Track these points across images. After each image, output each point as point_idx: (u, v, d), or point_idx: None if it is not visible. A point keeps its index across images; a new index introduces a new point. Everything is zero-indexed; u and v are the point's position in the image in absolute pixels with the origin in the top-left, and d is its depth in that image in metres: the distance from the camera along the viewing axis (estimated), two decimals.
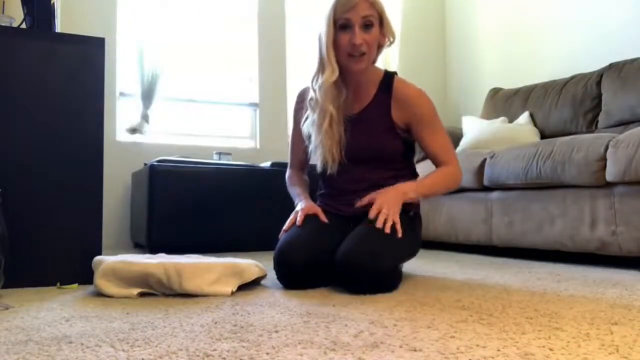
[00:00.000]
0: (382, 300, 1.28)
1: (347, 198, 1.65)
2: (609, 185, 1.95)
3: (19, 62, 1.62)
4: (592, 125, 2.80)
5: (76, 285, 1.58)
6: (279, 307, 1.22)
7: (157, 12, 3.44)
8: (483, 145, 2.91)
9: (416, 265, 2.02)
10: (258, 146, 3.70)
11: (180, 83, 3.53)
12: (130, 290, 1.39)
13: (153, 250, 2.52)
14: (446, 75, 4.30)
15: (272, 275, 1.56)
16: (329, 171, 1.62)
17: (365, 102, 1.63)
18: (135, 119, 3.31)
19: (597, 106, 2.80)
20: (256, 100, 3.73)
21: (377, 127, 1.61)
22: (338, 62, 1.54)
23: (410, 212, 1.66)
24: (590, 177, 1.97)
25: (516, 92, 3.31)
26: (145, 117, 3.31)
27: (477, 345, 0.85)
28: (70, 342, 0.91)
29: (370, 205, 1.52)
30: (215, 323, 1.05)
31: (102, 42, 1.72)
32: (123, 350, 0.85)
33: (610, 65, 2.77)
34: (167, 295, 1.39)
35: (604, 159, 1.93)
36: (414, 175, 1.71)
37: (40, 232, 1.60)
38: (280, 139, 3.71)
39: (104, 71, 1.72)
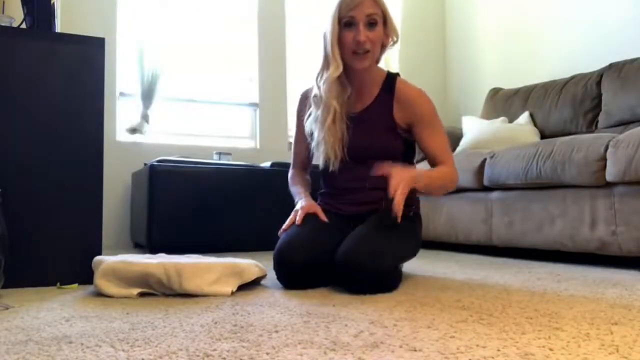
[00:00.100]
0: (382, 300, 1.28)
1: (348, 197, 1.66)
2: (609, 185, 1.95)
3: (19, 62, 1.62)
4: (592, 125, 2.80)
5: (76, 285, 1.58)
6: (279, 307, 1.22)
7: (157, 12, 3.44)
8: (483, 145, 2.91)
9: (416, 265, 2.02)
10: (258, 146, 3.70)
11: (180, 83, 3.53)
12: (130, 290, 1.39)
13: (153, 250, 2.52)
14: (446, 75, 4.30)
15: (272, 275, 1.56)
16: (330, 168, 1.62)
17: (368, 101, 1.65)
18: (135, 119, 3.31)
19: (597, 106, 2.80)
20: (256, 100, 3.73)
21: (379, 126, 1.62)
22: (342, 59, 1.56)
23: (410, 212, 1.66)
24: (590, 177, 1.98)
25: (516, 92, 3.31)
26: (145, 117, 3.31)
27: (477, 345, 0.85)
28: (70, 342, 0.91)
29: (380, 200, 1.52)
30: (215, 323, 1.05)
31: (102, 42, 1.72)
32: (123, 350, 0.85)
33: (610, 65, 2.77)
34: (167, 295, 1.39)
35: (604, 159, 1.93)
36: None
37: (40, 232, 1.60)
38: (280, 139, 3.71)
39: (104, 71, 1.72)
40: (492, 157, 2.45)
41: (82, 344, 0.90)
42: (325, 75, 1.57)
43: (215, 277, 1.40)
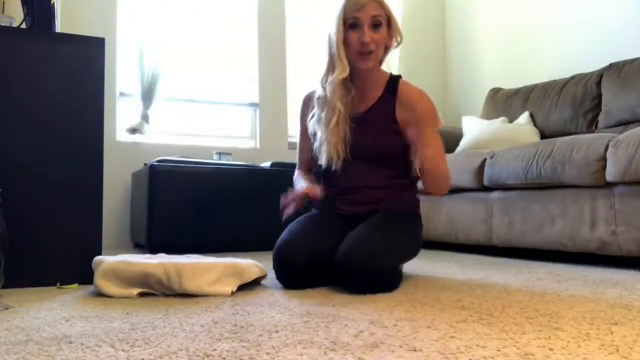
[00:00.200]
0: (382, 300, 1.28)
1: (348, 197, 1.66)
2: (609, 185, 1.95)
3: (19, 62, 1.62)
4: (592, 125, 2.80)
5: (76, 285, 1.58)
6: (279, 307, 1.22)
7: (157, 12, 3.44)
8: (483, 145, 2.91)
9: (416, 265, 2.02)
10: (258, 146, 3.70)
11: (180, 83, 3.53)
12: (130, 290, 1.39)
13: (153, 250, 2.52)
14: (446, 75, 4.30)
15: (272, 275, 1.56)
16: (333, 167, 1.63)
17: (371, 102, 1.66)
18: (135, 119, 3.31)
19: (597, 106, 2.80)
20: (256, 100, 3.73)
21: (381, 127, 1.63)
22: (347, 60, 1.57)
23: (411, 212, 1.67)
24: (590, 177, 1.97)
25: (516, 92, 3.31)
26: (145, 117, 3.31)
27: (477, 345, 0.85)
28: (70, 342, 0.91)
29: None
30: (215, 323, 1.05)
31: (102, 42, 1.72)
32: (123, 350, 0.85)
33: (610, 65, 2.77)
34: (167, 295, 1.39)
35: (604, 159, 1.93)
36: (409, 174, 1.71)
37: (40, 232, 1.60)
38: (280, 139, 3.71)
39: (104, 71, 1.73)
40: (492, 157, 2.45)
41: (82, 344, 0.90)
42: (331, 77, 1.58)
43: (215, 277, 1.41)
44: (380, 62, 1.66)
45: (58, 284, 1.58)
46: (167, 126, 3.49)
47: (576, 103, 2.87)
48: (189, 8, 3.58)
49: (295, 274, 1.49)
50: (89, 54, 1.70)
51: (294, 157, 2.00)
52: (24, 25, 1.81)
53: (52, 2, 1.78)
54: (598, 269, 1.91)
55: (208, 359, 0.79)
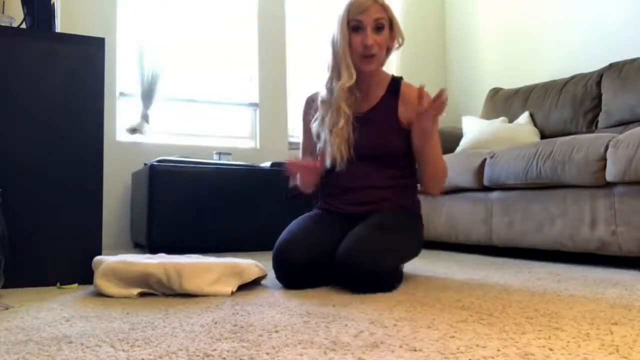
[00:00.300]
0: (382, 300, 1.28)
1: (349, 197, 1.66)
2: (609, 185, 1.95)
3: (19, 62, 1.62)
4: (592, 125, 2.80)
5: (76, 285, 1.58)
6: (279, 307, 1.22)
7: (157, 12, 3.44)
8: (483, 145, 2.91)
9: (416, 265, 2.02)
10: (258, 146, 3.70)
11: (180, 83, 3.53)
12: (130, 290, 1.39)
13: (153, 250, 2.52)
14: (446, 75, 4.30)
15: (272, 275, 1.56)
16: (337, 168, 1.63)
17: (374, 102, 1.68)
18: (135, 119, 3.31)
19: (597, 106, 2.80)
20: (256, 100, 3.73)
21: (384, 126, 1.65)
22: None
23: (412, 212, 1.68)
24: (590, 177, 1.97)
25: (516, 92, 3.31)
26: (145, 117, 3.31)
27: (477, 345, 0.85)
28: (70, 342, 0.91)
29: None
30: (215, 323, 1.05)
31: (102, 42, 1.72)
32: (123, 350, 0.85)
33: (610, 65, 2.77)
34: (167, 295, 1.39)
35: (604, 159, 1.93)
36: (413, 174, 1.72)
37: (40, 232, 1.60)
38: (280, 139, 3.71)
39: (104, 71, 1.73)
40: (492, 157, 2.45)
41: (82, 344, 0.90)
42: (337, 83, 1.59)
43: (215, 277, 1.41)
44: (382, 64, 1.67)
45: (58, 284, 1.58)
46: (167, 126, 3.49)
47: (576, 103, 2.87)
48: (189, 8, 3.58)
49: (296, 274, 1.49)
50: (89, 54, 1.70)
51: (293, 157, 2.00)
52: (24, 25, 1.81)
53: (52, 2, 1.78)
54: (598, 269, 1.91)
55: (208, 359, 0.79)
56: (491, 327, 0.98)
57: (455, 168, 2.55)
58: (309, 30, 3.91)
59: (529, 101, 3.15)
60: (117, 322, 1.07)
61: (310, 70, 3.76)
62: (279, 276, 1.53)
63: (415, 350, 0.83)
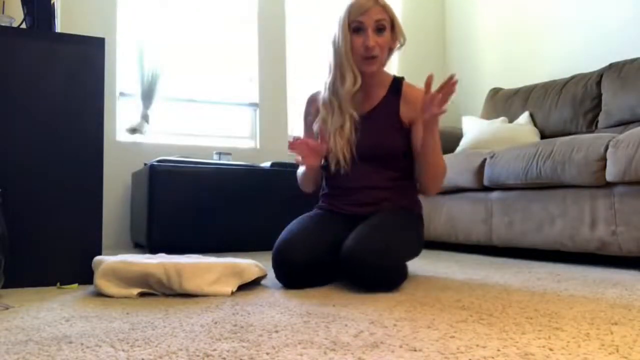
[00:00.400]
0: (382, 300, 1.28)
1: (350, 198, 1.67)
2: (609, 185, 1.95)
3: (19, 62, 1.62)
4: (592, 125, 2.80)
5: (76, 285, 1.58)
6: (279, 307, 1.22)
7: (157, 12, 3.44)
8: (483, 145, 2.91)
9: (417, 265, 2.02)
10: (258, 146, 3.70)
11: (180, 83, 3.53)
12: (130, 290, 1.39)
13: (153, 250, 2.52)
14: (446, 75, 4.26)
15: (272, 275, 1.56)
16: (342, 170, 1.64)
17: (375, 101, 1.68)
18: (135, 119, 3.31)
19: (597, 106, 2.80)
20: (256, 100, 3.73)
21: (386, 126, 1.65)
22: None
23: (413, 212, 1.68)
24: (590, 177, 1.97)
25: (516, 92, 3.31)
26: (145, 117, 3.31)
27: (477, 345, 0.85)
28: (70, 342, 0.91)
29: None
30: (215, 323, 1.05)
31: (102, 42, 1.72)
32: (123, 350, 0.85)
33: (610, 65, 2.77)
34: (167, 295, 1.39)
35: (604, 159, 1.93)
36: (413, 174, 1.72)
37: (40, 232, 1.60)
38: (280, 139, 3.71)
39: (104, 71, 1.73)
40: (492, 157, 2.45)
41: (82, 344, 0.90)
42: (341, 87, 1.59)
43: (215, 277, 1.41)
44: (384, 64, 1.68)
45: (58, 284, 1.58)
46: (167, 126, 3.49)
47: (576, 103, 2.87)
48: (189, 8, 3.58)
49: (296, 274, 1.49)
50: (89, 54, 1.69)
51: (294, 157, 2.00)
52: (24, 25, 1.81)
53: (52, 2, 1.78)
54: (598, 269, 1.91)
55: (208, 359, 0.79)
56: (491, 327, 0.98)
57: (455, 168, 2.55)
58: (309, 30, 3.91)
59: (529, 101, 3.15)
60: (117, 322, 1.07)
61: (310, 70, 3.77)
62: (279, 276, 1.53)
63: (415, 350, 0.83)
